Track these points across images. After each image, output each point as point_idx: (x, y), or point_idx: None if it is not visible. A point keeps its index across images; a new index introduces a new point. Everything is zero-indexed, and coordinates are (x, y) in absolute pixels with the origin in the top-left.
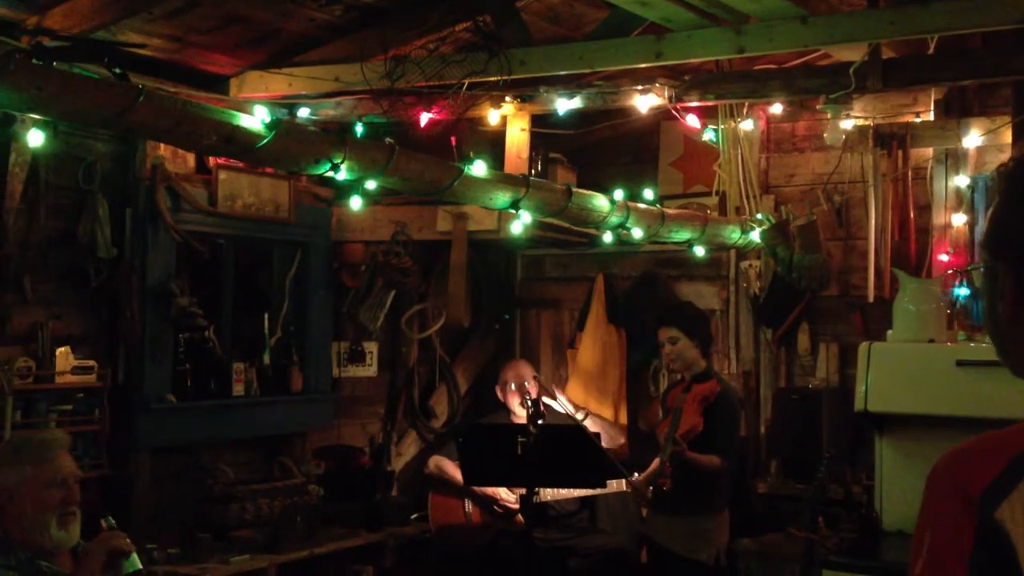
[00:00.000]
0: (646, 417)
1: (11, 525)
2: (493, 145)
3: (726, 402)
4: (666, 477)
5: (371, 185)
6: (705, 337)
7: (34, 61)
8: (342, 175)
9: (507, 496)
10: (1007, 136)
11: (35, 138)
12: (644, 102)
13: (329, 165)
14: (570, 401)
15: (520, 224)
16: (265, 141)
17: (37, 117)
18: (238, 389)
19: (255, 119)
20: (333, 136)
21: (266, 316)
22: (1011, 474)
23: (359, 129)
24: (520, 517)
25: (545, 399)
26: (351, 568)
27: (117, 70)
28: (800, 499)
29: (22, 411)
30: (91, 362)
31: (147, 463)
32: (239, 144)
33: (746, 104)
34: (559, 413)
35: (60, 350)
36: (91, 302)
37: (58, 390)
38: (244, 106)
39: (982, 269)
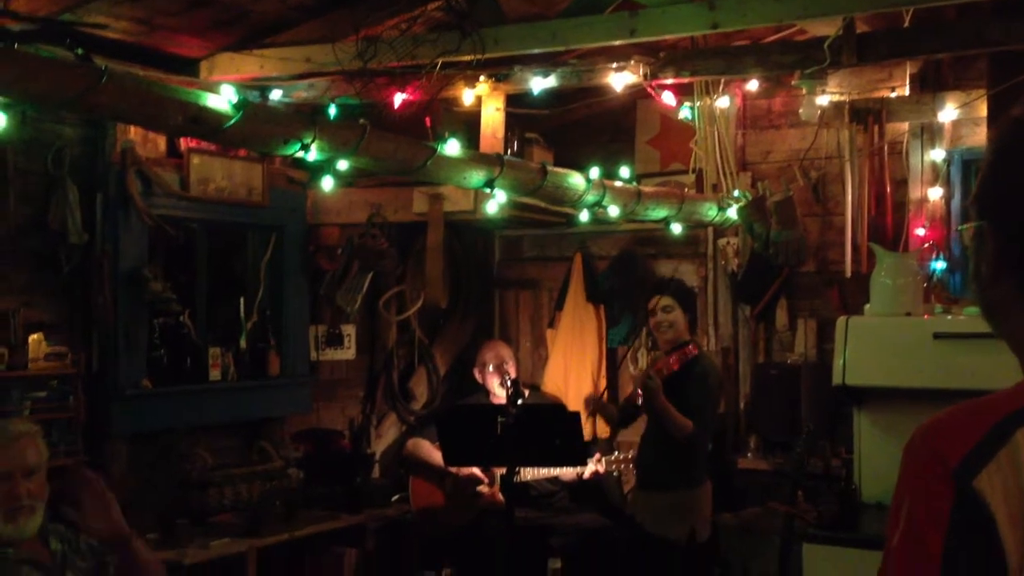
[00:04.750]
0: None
1: None
2: (468, 126)
3: (703, 367)
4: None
5: (343, 165)
6: (693, 312)
7: None
8: (312, 155)
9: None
10: (982, 109)
11: None
12: (619, 80)
13: (299, 145)
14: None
15: (496, 204)
16: (232, 121)
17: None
18: (215, 374)
19: (222, 99)
20: (303, 116)
21: (242, 300)
22: (991, 442)
23: (332, 111)
24: (500, 497)
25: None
26: (333, 551)
27: (79, 51)
28: (779, 474)
29: None
30: (64, 349)
31: (123, 449)
32: (206, 124)
33: (722, 81)
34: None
35: (33, 337)
36: (63, 289)
37: (31, 378)
38: (213, 88)
39: (971, 229)
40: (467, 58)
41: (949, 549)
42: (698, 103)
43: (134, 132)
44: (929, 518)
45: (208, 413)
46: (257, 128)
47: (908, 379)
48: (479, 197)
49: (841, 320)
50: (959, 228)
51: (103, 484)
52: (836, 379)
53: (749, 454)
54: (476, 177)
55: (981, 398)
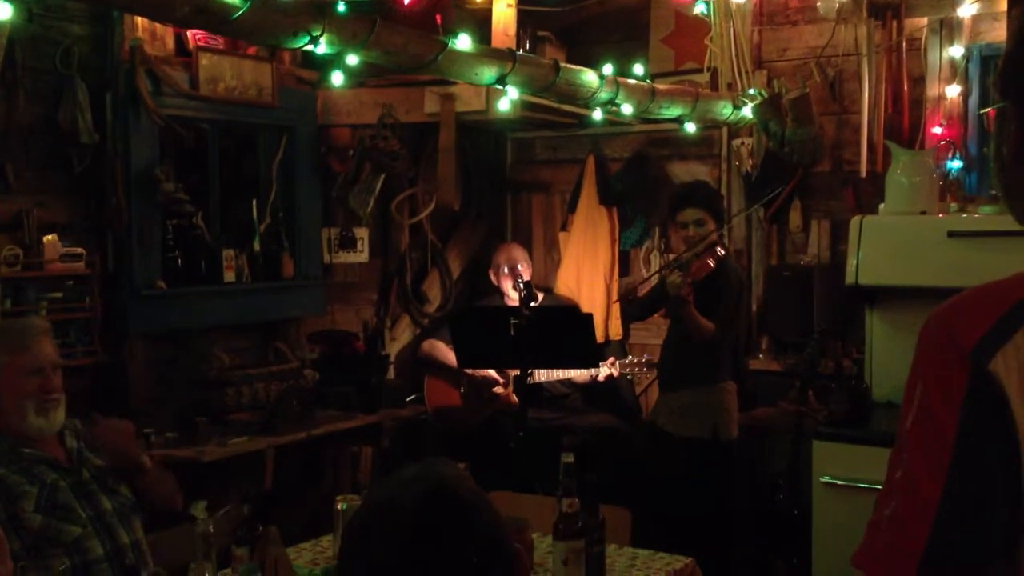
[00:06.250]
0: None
1: None
2: (480, 24)
3: (726, 272)
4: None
5: (352, 60)
6: (722, 215)
7: None
8: (322, 48)
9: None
10: (1002, 3)
11: (3, 10)
12: None
13: (308, 38)
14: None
15: (508, 101)
16: (240, 12)
17: None
18: (229, 276)
19: None
20: (312, 7)
21: (254, 202)
22: (1006, 324)
23: (341, 7)
24: (515, 398)
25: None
26: (349, 449)
27: None
28: (791, 374)
29: (12, 299)
30: (79, 249)
31: (140, 349)
32: (213, 15)
33: None
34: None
35: (48, 238)
36: (75, 189)
37: (47, 278)
38: None
39: (994, 111)
40: None
41: (963, 431)
42: None
43: (142, 30)
44: (944, 400)
45: (223, 314)
46: (265, 19)
47: (921, 278)
48: (491, 97)
49: (855, 219)
50: (980, 112)
51: (128, 427)
52: (849, 279)
53: (761, 355)
54: (488, 73)
55: (997, 281)
